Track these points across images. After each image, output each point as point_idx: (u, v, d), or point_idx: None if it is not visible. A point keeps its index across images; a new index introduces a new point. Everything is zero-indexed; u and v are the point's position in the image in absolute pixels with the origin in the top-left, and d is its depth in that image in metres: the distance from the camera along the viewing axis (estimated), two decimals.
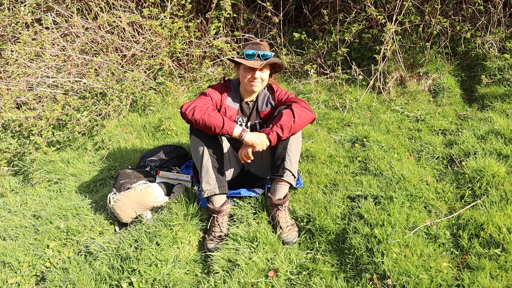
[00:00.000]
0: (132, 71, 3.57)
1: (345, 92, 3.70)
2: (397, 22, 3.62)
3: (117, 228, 2.14)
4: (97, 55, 3.76)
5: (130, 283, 1.69)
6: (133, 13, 3.89)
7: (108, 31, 3.92)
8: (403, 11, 3.63)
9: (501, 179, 2.04)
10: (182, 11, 3.93)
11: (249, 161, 1.92)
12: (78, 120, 3.12)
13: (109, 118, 3.28)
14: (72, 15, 3.89)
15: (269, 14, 4.17)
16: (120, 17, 3.77)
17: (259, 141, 1.85)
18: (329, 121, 3.23)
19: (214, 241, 1.90)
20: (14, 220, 2.30)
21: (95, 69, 3.59)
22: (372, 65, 3.74)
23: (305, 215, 1.99)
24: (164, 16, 3.78)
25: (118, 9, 3.86)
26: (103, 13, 3.80)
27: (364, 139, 2.72)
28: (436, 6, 3.62)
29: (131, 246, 1.87)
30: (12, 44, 3.80)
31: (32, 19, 3.87)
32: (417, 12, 3.80)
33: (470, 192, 2.04)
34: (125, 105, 3.36)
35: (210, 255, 1.83)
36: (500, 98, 3.20)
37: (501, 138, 2.49)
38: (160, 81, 3.83)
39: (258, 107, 2.12)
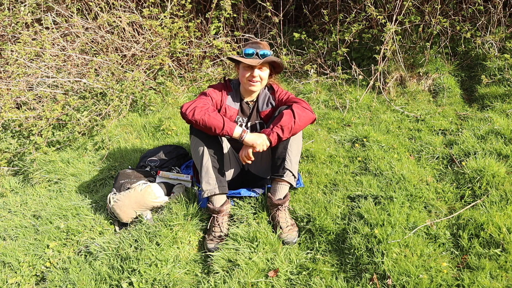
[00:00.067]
0: (132, 71, 3.57)
1: (345, 92, 3.70)
2: (397, 22, 3.62)
3: (117, 228, 2.14)
4: (97, 55, 3.76)
5: (130, 283, 1.69)
6: (133, 13, 3.88)
7: (108, 31, 3.92)
8: (403, 11, 3.63)
9: (501, 179, 2.04)
10: (182, 11, 3.93)
11: (249, 161, 1.92)
12: (78, 120, 3.12)
13: (109, 118, 3.28)
14: (72, 15, 3.89)
15: (269, 14, 4.17)
16: (120, 17, 3.77)
17: (260, 141, 1.84)
18: (329, 121, 3.23)
19: (214, 241, 1.90)
20: (14, 220, 2.30)
21: (95, 69, 3.59)
22: (372, 65, 3.74)
23: (305, 215, 1.99)
24: (164, 16, 3.78)
25: (118, 9, 3.86)
26: (103, 13, 3.80)
27: (364, 139, 2.72)
28: (436, 6, 3.62)
29: (131, 246, 1.87)
30: (12, 44, 3.80)
31: (32, 19, 3.87)
32: (417, 12, 3.79)
33: (470, 192, 2.04)
34: (125, 105, 3.36)
35: (210, 255, 1.83)
36: (500, 98, 3.20)
37: (501, 138, 2.49)
38: (160, 81, 3.83)
39: (259, 107, 2.12)
